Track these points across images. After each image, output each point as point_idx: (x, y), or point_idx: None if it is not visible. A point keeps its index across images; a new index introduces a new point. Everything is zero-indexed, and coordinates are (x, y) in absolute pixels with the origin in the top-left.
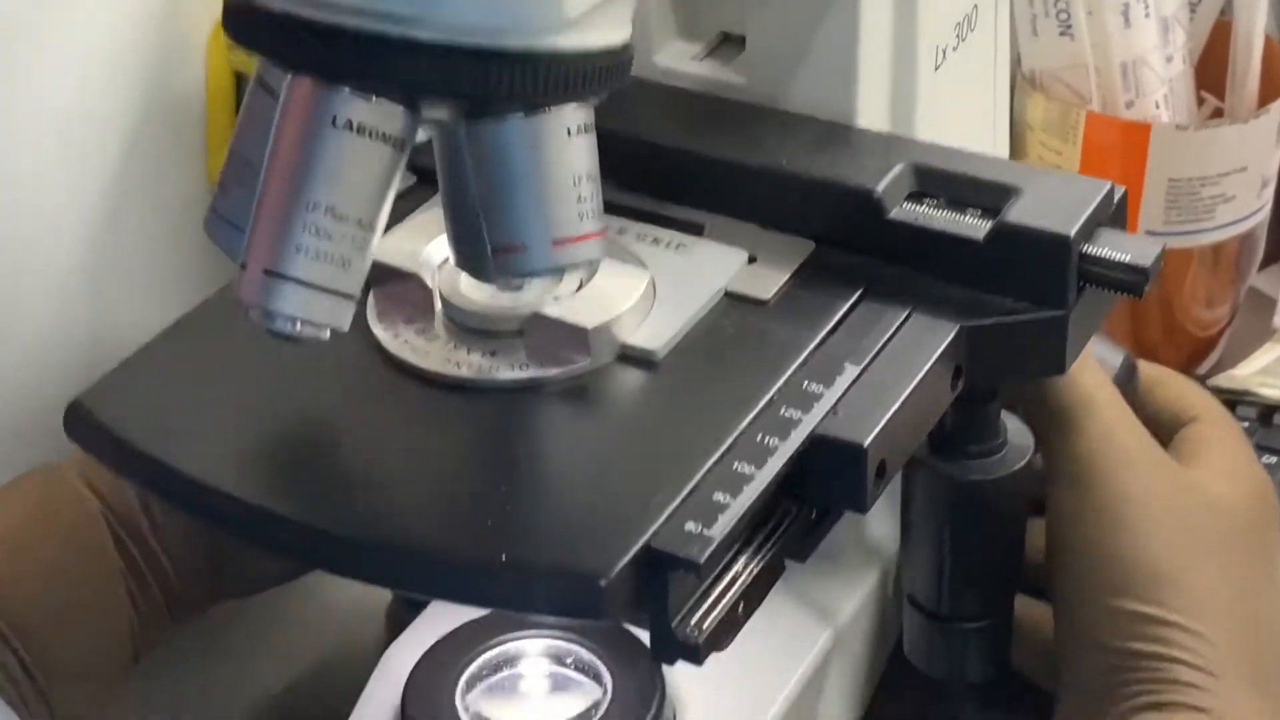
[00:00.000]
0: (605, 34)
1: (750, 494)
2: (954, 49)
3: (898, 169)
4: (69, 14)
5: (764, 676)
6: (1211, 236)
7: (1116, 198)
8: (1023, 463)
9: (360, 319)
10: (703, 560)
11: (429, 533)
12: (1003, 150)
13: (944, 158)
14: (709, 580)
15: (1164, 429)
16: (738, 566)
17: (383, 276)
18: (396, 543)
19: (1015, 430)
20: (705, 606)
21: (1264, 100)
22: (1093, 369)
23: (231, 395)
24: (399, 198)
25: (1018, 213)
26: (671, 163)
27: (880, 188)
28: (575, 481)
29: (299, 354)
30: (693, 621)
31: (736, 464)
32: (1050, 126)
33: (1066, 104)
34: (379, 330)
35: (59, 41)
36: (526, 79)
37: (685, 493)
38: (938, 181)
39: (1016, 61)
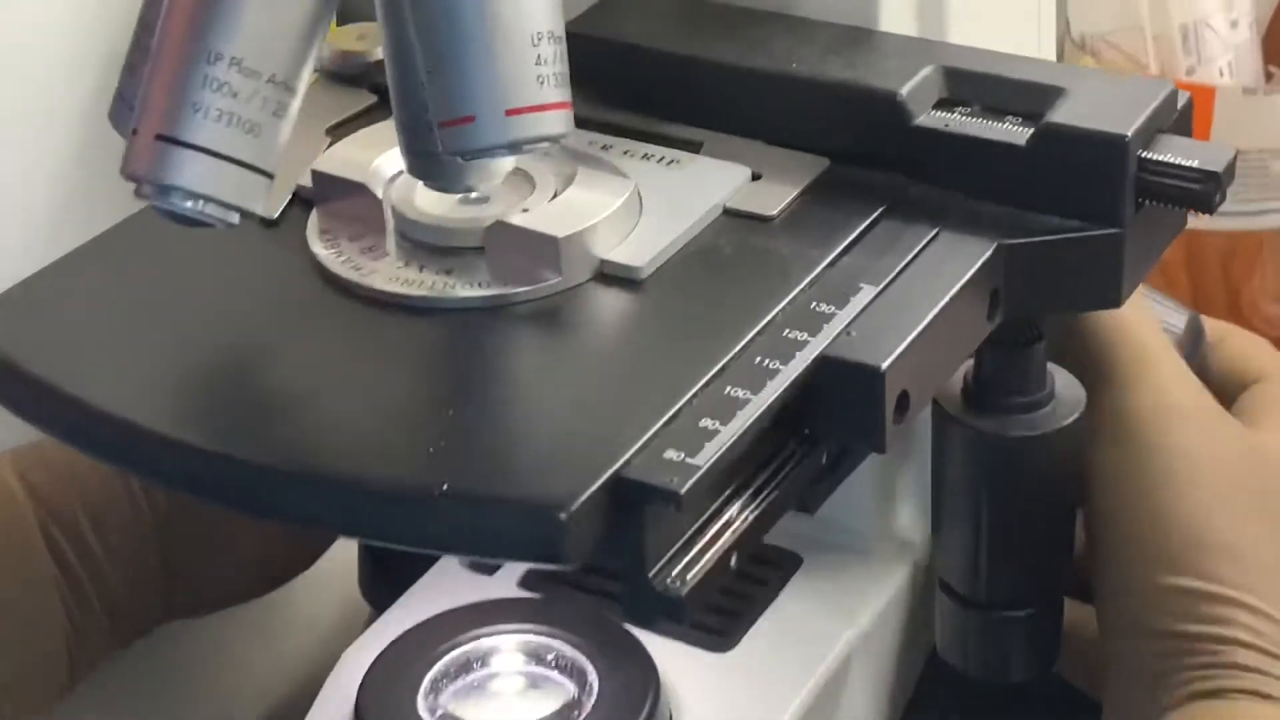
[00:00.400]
0: None
1: (743, 420)
2: None
3: (925, 71)
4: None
5: (776, 683)
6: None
7: (1180, 103)
8: (1073, 418)
9: (300, 236)
10: (683, 491)
11: (359, 461)
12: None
13: (979, 60)
14: (696, 524)
15: (1228, 389)
16: (731, 511)
17: (327, 191)
18: (319, 472)
19: (1065, 383)
20: (691, 555)
21: None
22: (1147, 315)
23: (147, 318)
24: (355, 118)
25: (1065, 114)
26: (664, 71)
27: (905, 91)
28: (538, 409)
29: (227, 273)
30: (675, 571)
31: (729, 389)
32: None
33: (1118, 69)
34: (319, 248)
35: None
36: None
37: (667, 418)
38: (971, 85)
39: (1065, 25)
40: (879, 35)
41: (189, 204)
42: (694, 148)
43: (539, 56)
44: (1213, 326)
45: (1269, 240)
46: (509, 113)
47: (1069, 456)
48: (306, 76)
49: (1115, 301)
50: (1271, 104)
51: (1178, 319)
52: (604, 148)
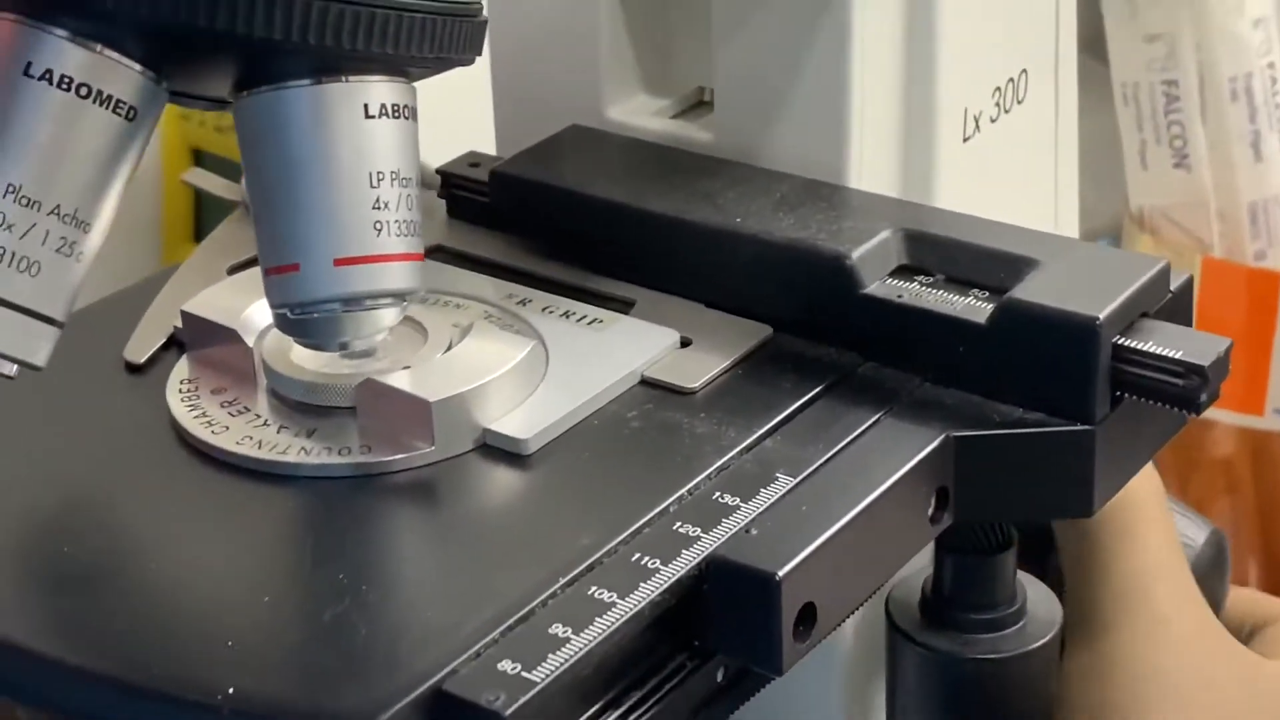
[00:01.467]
0: None
1: (602, 629)
2: (993, 119)
3: (883, 235)
4: None
5: None
6: None
7: (1176, 284)
8: (1046, 639)
9: (160, 385)
10: (508, 712)
11: (144, 653)
12: None
13: (947, 223)
14: None
15: (1242, 629)
16: None
17: (198, 335)
18: (93, 665)
19: (1038, 596)
20: None
21: None
22: (1146, 495)
23: None
24: None
25: (1032, 290)
26: (599, 220)
27: (856, 255)
28: (369, 599)
29: (77, 421)
30: None
31: (593, 589)
32: None
33: (1178, 249)
34: (174, 399)
35: None
36: (290, 20)
37: (513, 620)
38: (934, 251)
39: (1124, 198)
40: (843, 191)
41: None
42: (626, 306)
43: (378, 200)
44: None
45: None
46: (338, 262)
47: (1040, 683)
48: (108, 211)
49: (1086, 510)
50: None
51: (1197, 533)
52: (522, 302)
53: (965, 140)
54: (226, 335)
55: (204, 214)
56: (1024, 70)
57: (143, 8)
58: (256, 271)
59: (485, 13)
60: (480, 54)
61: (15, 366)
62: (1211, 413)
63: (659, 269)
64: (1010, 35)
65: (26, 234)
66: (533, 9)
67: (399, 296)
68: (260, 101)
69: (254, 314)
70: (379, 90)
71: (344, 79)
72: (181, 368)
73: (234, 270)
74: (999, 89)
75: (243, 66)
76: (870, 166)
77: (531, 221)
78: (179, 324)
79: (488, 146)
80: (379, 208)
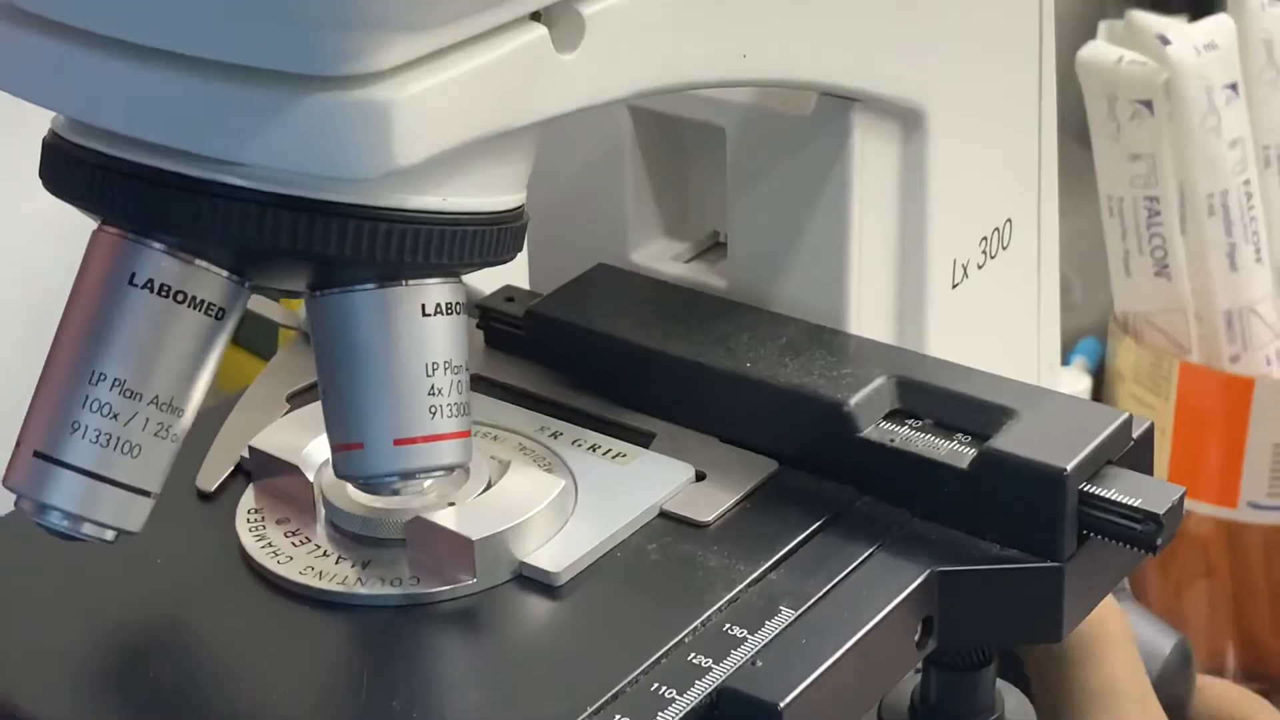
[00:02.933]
0: (478, 196)
1: None
2: (979, 265)
3: (877, 382)
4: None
5: None
6: None
7: (1138, 432)
8: None
9: (229, 513)
10: None
11: None
12: (1049, 384)
13: (937, 372)
14: None
15: None
16: None
17: (263, 468)
18: None
19: (1015, 704)
20: None
21: None
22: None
23: (56, 594)
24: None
25: (1008, 440)
26: (622, 359)
27: (853, 402)
28: None
29: (153, 546)
30: None
31: (617, 717)
32: (1141, 377)
33: (1159, 352)
34: (243, 528)
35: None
36: (359, 242)
37: None
38: (924, 398)
39: (1109, 303)
40: (842, 337)
41: (65, 523)
42: (647, 438)
43: (433, 387)
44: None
45: None
46: (398, 443)
47: None
48: (198, 396)
49: (1055, 637)
50: None
51: (1165, 641)
52: (553, 435)
53: (954, 286)
54: (289, 469)
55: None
56: (1009, 219)
57: (233, 232)
58: (317, 406)
59: (526, 213)
60: (521, 249)
61: (114, 533)
62: (1190, 504)
63: (677, 406)
64: (995, 187)
65: (129, 422)
66: (565, 157)
67: (450, 469)
68: (331, 301)
69: (314, 449)
70: (435, 291)
71: (404, 283)
72: (249, 498)
73: (293, 396)
74: (985, 238)
75: (317, 273)
76: (868, 311)
77: (563, 357)
78: (245, 454)
79: (521, 277)
80: (434, 394)
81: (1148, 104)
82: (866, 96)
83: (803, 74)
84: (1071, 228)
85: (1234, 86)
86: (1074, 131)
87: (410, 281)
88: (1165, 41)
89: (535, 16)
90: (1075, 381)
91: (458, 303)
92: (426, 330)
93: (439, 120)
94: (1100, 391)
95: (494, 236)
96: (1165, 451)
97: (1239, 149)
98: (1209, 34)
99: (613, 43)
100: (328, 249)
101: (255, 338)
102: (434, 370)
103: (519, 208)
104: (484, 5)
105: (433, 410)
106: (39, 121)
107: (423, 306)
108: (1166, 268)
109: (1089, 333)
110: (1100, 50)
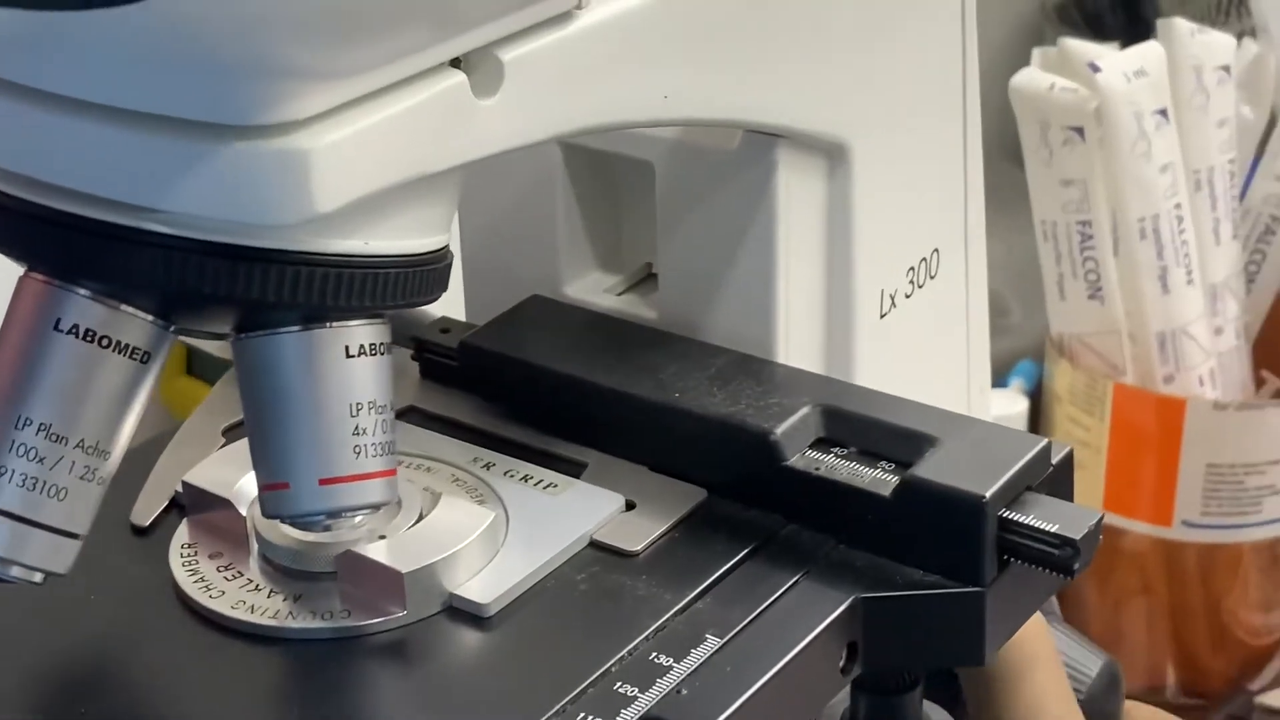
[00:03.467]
0: (400, 239)
1: None
2: (907, 295)
3: (803, 411)
4: None
5: None
6: (1258, 533)
7: (1057, 458)
8: None
9: (163, 548)
10: None
11: None
12: (981, 413)
13: (862, 401)
14: None
15: None
16: None
17: (197, 503)
18: None
19: None
20: None
21: None
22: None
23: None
24: None
25: (929, 468)
26: (555, 390)
27: (779, 431)
28: None
29: (86, 580)
30: None
31: None
32: (1077, 398)
33: (1093, 374)
34: (176, 564)
35: None
36: (281, 286)
37: None
38: (849, 427)
39: (1047, 325)
40: (770, 367)
41: None
42: (578, 469)
43: (357, 427)
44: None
45: (1249, 552)
46: (323, 482)
47: None
48: (124, 438)
49: (978, 660)
50: (1243, 420)
51: (1093, 663)
52: (486, 466)
53: (882, 316)
54: (222, 504)
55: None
56: (935, 249)
57: (158, 276)
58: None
59: (449, 254)
60: (446, 289)
61: (42, 575)
62: (1126, 523)
63: (608, 436)
64: (922, 218)
65: (55, 465)
66: (499, 191)
67: (376, 507)
68: (256, 343)
69: (247, 484)
70: (358, 333)
71: (328, 325)
72: (182, 532)
73: (229, 430)
74: (912, 268)
75: (241, 316)
76: (796, 341)
77: (496, 388)
78: (179, 488)
79: (459, 308)
80: (358, 434)
81: (1079, 130)
82: (790, 133)
83: (724, 113)
84: (1010, 251)
85: (1164, 112)
86: (1012, 155)
87: (334, 323)
88: (1095, 69)
89: (455, 63)
90: (1012, 403)
91: (382, 343)
92: (350, 371)
93: (357, 167)
94: (1037, 413)
95: (417, 278)
96: (1101, 471)
97: (1170, 173)
98: (1139, 61)
99: (532, 87)
100: (251, 293)
101: (206, 366)
102: (358, 410)
103: (442, 249)
104: (401, 54)
105: (357, 450)
106: None
107: (346, 348)
108: (1100, 291)
109: (1027, 354)
110: (1033, 77)
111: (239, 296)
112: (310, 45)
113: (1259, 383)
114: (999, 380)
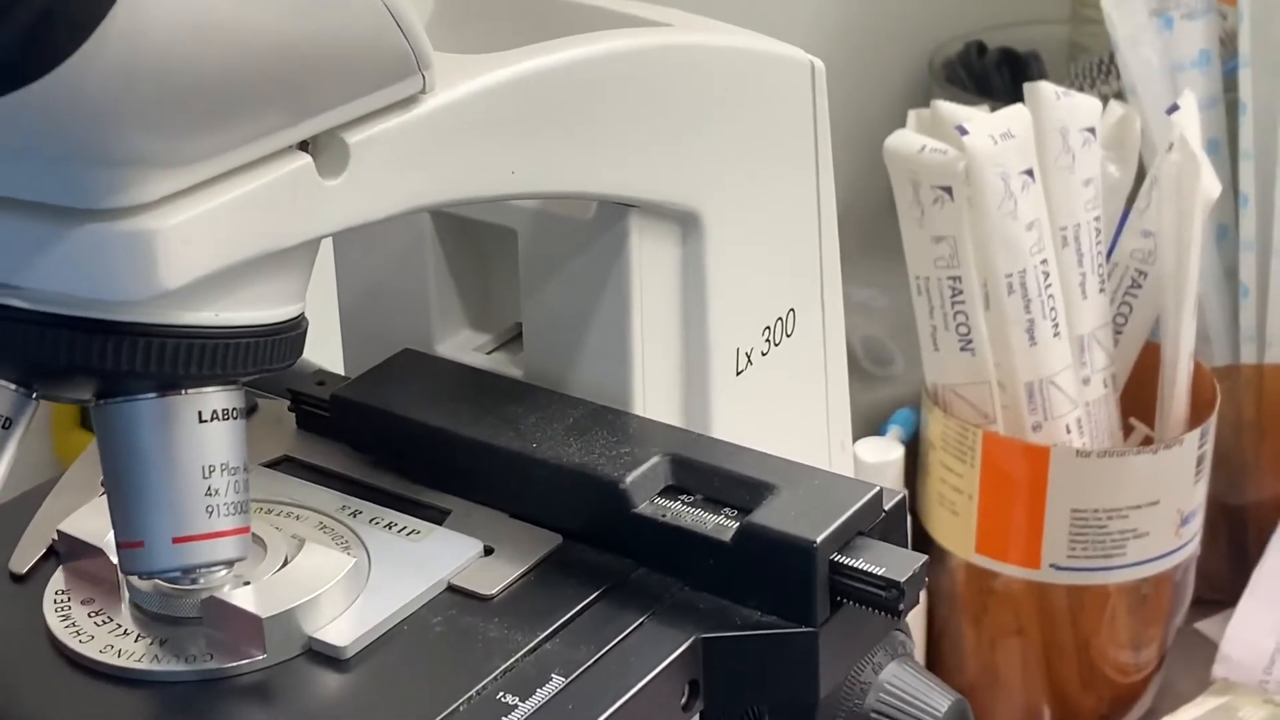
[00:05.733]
0: (252, 310)
1: None
2: (764, 353)
3: (653, 460)
4: None
5: None
6: (1122, 575)
7: (889, 504)
8: None
9: (38, 594)
10: None
11: None
12: (843, 465)
13: (710, 451)
14: None
15: None
16: None
17: (72, 551)
18: None
19: None
20: None
21: (1194, 429)
22: None
23: None
24: None
25: (766, 514)
26: (419, 441)
27: (629, 480)
28: None
29: None
30: None
31: None
32: (949, 446)
33: (964, 422)
34: (49, 610)
35: None
36: (134, 357)
37: None
38: (695, 476)
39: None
40: (625, 418)
41: None
42: (442, 515)
43: (210, 488)
44: None
45: (1115, 593)
46: (176, 540)
47: None
48: None
49: (813, 696)
50: (1104, 466)
51: (941, 700)
52: (353, 513)
53: (739, 373)
54: (95, 553)
55: None
56: (791, 309)
57: (16, 351)
58: None
59: (304, 321)
60: (300, 356)
61: None
62: (997, 565)
63: (470, 484)
64: (776, 279)
65: None
66: (374, 253)
67: (229, 563)
68: (113, 409)
69: None
70: (212, 399)
71: (183, 392)
72: (57, 579)
73: None
74: (768, 327)
75: (99, 384)
76: (653, 396)
77: (366, 438)
78: (56, 537)
79: (337, 361)
80: (211, 494)
81: (948, 190)
82: (640, 203)
83: (572, 186)
84: (893, 302)
85: (1030, 172)
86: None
87: (189, 390)
88: (964, 131)
89: (303, 145)
90: (888, 451)
91: (235, 408)
92: (204, 435)
93: (203, 245)
94: (914, 459)
95: (268, 347)
96: (974, 517)
97: (1035, 230)
98: (1006, 123)
99: (377, 167)
100: (106, 364)
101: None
102: (210, 472)
103: (295, 318)
104: (247, 140)
105: (210, 510)
106: None
107: (200, 413)
108: (971, 343)
109: (910, 402)
110: (905, 139)
111: (95, 367)
112: (156, 136)
113: (1127, 431)
114: (878, 428)
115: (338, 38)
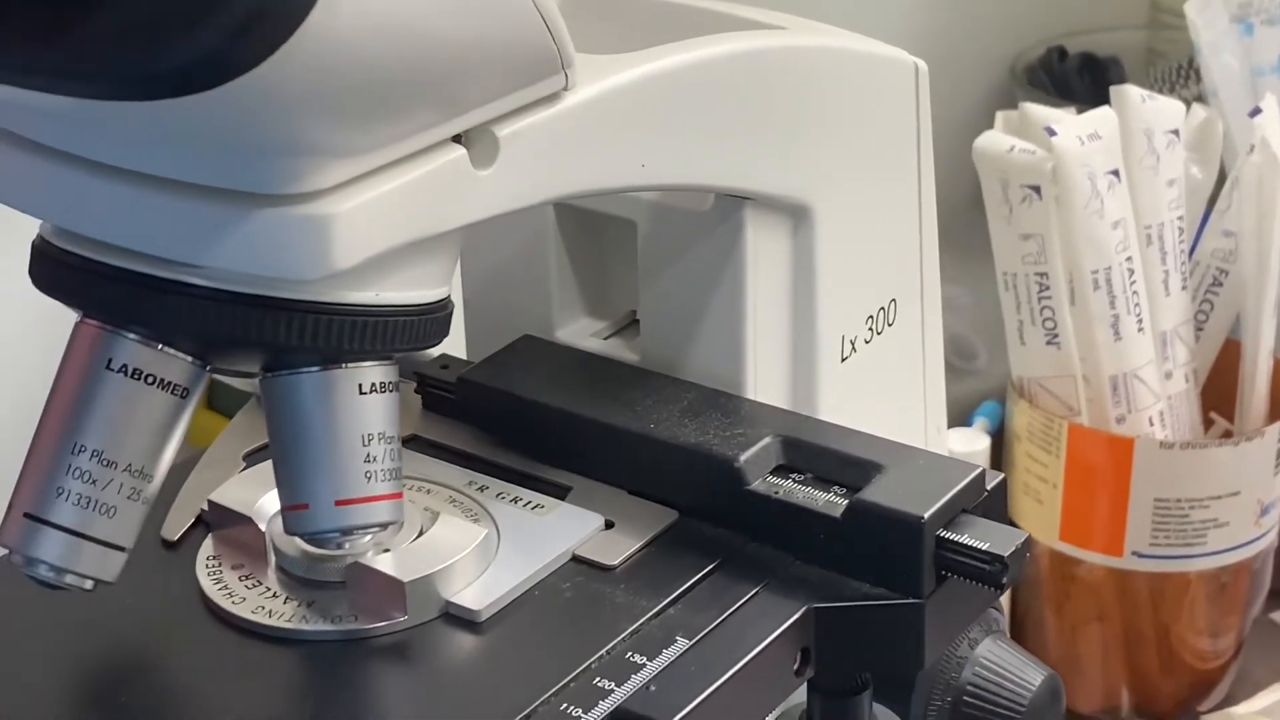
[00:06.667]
0: (407, 290)
1: None
2: (866, 341)
3: (765, 441)
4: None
5: None
6: (1203, 563)
7: (991, 484)
8: None
9: (190, 560)
10: None
11: None
12: (937, 448)
13: (818, 432)
14: None
15: None
16: None
17: (221, 519)
18: None
19: None
20: None
21: (1274, 423)
22: None
23: (36, 632)
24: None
25: (874, 491)
26: (542, 421)
27: (743, 459)
28: None
29: (120, 591)
30: None
31: None
32: (1035, 437)
33: (1049, 414)
34: (202, 574)
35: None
36: (303, 332)
37: None
38: (805, 456)
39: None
40: (736, 400)
41: (50, 574)
42: (562, 491)
43: (369, 455)
44: None
45: (1196, 581)
46: (339, 503)
47: None
48: (165, 463)
49: (919, 665)
50: (1187, 458)
51: (1034, 675)
52: (480, 488)
53: (843, 360)
54: (244, 521)
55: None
56: (893, 299)
57: (195, 324)
58: (268, 464)
59: (450, 303)
60: (447, 335)
61: (93, 583)
62: (1081, 553)
63: (590, 462)
64: (879, 271)
65: (106, 486)
66: (499, 244)
67: (384, 525)
68: (281, 382)
69: (266, 503)
70: (370, 372)
71: (343, 366)
72: (208, 546)
73: (249, 454)
74: (871, 316)
75: (268, 358)
76: (764, 381)
77: (490, 419)
78: (205, 506)
79: (459, 346)
80: (369, 461)
81: (1036, 189)
82: (757, 196)
83: (697, 179)
84: (977, 298)
85: (1116, 172)
86: (981, 208)
87: (349, 364)
88: (1052, 132)
89: (456, 139)
90: (974, 441)
91: (390, 381)
92: (363, 406)
93: (371, 230)
94: (999, 451)
95: (421, 325)
96: (1058, 505)
97: (1121, 229)
98: (1093, 125)
99: (523, 159)
100: (276, 338)
101: (224, 401)
102: (369, 440)
103: (443, 299)
104: (410, 133)
105: (368, 475)
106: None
107: (359, 386)
108: (1056, 337)
109: (993, 395)
110: (994, 139)
111: (266, 341)
112: (336, 128)
113: (1207, 424)
114: (964, 419)
115: (496, 38)
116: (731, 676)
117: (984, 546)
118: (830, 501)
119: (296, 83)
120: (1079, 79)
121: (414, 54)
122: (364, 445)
